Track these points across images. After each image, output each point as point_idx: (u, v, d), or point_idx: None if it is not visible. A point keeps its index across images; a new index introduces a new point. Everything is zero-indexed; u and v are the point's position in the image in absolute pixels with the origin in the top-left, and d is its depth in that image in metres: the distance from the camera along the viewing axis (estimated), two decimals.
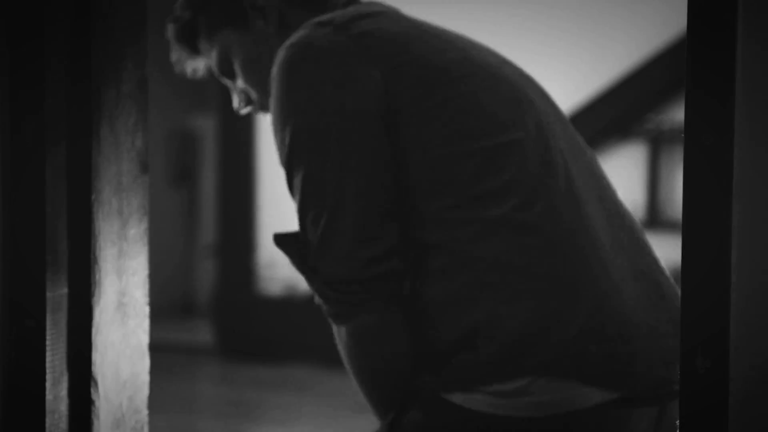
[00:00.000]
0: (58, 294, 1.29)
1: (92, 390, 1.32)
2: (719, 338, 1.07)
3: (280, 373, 6.40)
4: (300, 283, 6.87)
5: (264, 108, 1.60)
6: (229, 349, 6.77)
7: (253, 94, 1.61)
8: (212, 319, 7.18)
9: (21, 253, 1.28)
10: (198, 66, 1.63)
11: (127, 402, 1.39)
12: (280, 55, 1.44)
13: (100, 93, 1.31)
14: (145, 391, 1.42)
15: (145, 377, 1.42)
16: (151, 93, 1.44)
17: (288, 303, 6.76)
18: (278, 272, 6.87)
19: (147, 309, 1.42)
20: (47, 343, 1.27)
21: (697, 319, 1.08)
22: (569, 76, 5.90)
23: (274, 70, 1.44)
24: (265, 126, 6.85)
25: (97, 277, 1.32)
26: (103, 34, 1.32)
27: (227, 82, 1.63)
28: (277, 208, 6.85)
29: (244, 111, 1.64)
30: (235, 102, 1.64)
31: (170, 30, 1.61)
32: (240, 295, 6.87)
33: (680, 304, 1.10)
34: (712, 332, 1.07)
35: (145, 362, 1.42)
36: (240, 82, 1.62)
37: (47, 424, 1.28)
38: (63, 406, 1.31)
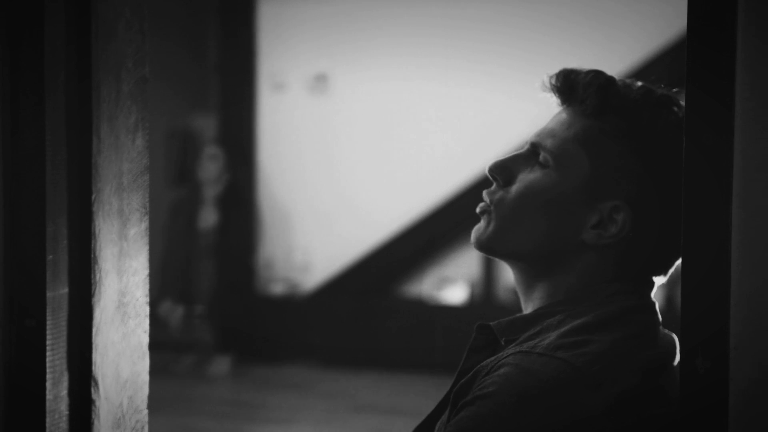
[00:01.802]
0: (58, 294, 1.29)
1: (92, 390, 1.32)
2: (719, 338, 1.07)
3: (280, 373, 6.40)
4: (300, 282, 6.88)
5: (484, 238, 1.34)
6: (229, 349, 6.77)
7: (494, 216, 1.33)
8: (212, 319, 7.18)
9: (21, 253, 1.28)
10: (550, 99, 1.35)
11: (127, 402, 1.38)
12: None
13: (100, 93, 1.31)
14: (145, 391, 1.42)
15: (145, 377, 1.42)
16: (151, 93, 1.44)
17: (288, 303, 6.77)
18: (278, 272, 6.88)
19: (147, 309, 1.42)
20: (47, 343, 1.27)
21: (697, 319, 1.08)
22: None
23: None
24: (265, 126, 6.86)
25: (97, 276, 1.32)
26: (104, 34, 1.32)
27: (493, 173, 1.36)
28: (277, 208, 6.85)
29: (479, 210, 1.36)
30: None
31: (602, 76, 1.32)
32: (240, 295, 6.87)
33: (680, 305, 1.10)
34: (712, 332, 1.07)
35: (145, 362, 1.42)
36: (498, 190, 1.35)
37: (47, 424, 1.28)
38: (63, 406, 1.31)
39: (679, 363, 1.11)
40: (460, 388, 1.26)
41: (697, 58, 1.08)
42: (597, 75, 1.32)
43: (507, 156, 1.36)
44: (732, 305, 1.07)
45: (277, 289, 6.86)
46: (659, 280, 1.35)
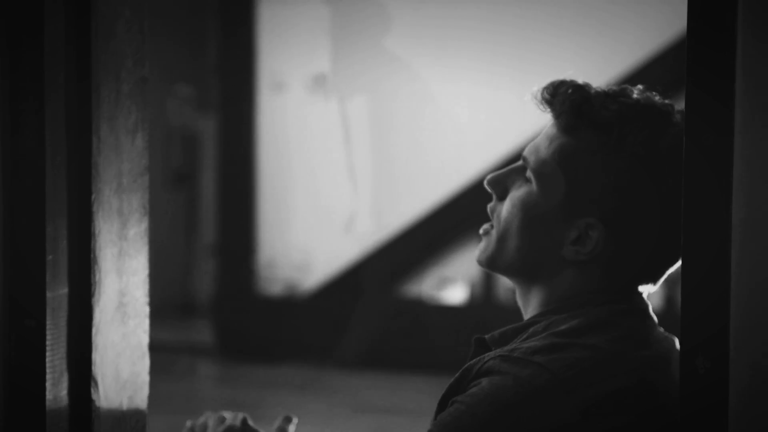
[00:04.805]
0: (58, 294, 1.29)
1: (92, 390, 1.32)
2: (719, 338, 1.07)
3: (280, 373, 6.40)
4: (300, 282, 6.88)
5: (484, 257, 1.38)
6: (229, 349, 6.77)
7: (493, 233, 1.37)
8: (212, 319, 7.18)
9: (21, 253, 1.28)
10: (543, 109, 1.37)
11: (127, 402, 1.39)
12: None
13: (100, 93, 1.31)
14: (145, 391, 1.42)
15: (145, 377, 1.42)
16: (151, 93, 1.44)
17: (288, 303, 6.76)
18: (278, 272, 6.88)
19: (147, 309, 1.42)
20: (47, 343, 1.27)
21: (697, 319, 1.08)
22: (571, 75, 5.90)
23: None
24: (265, 126, 6.86)
25: (97, 277, 1.32)
26: (103, 34, 1.32)
27: (491, 185, 1.39)
28: (277, 208, 6.85)
29: (482, 231, 1.41)
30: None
31: (577, 87, 1.33)
32: (240, 295, 6.87)
33: (680, 305, 1.10)
34: (712, 332, 1.07)
35: (145, 362, 1.42)
36: (495, 205, 1.39)
37: (47, 424, 1.28)
38: (63, 406, 1.31)
39: (680, 363, 1.11)
40: (448, 389, 1.29)
41: (697, 58, 1.08)
42: (575, 90, 1.33)
43: (503, 170, 1.39)
44: (732, 305, 1.07)
45: (277, 289, 6.86)
46: (649, 289, 1.36)
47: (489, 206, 1.39)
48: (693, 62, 1.08)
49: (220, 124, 7.05)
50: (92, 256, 1.31)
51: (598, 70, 5.85)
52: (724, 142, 1.06)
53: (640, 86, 1.35)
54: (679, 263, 1.33)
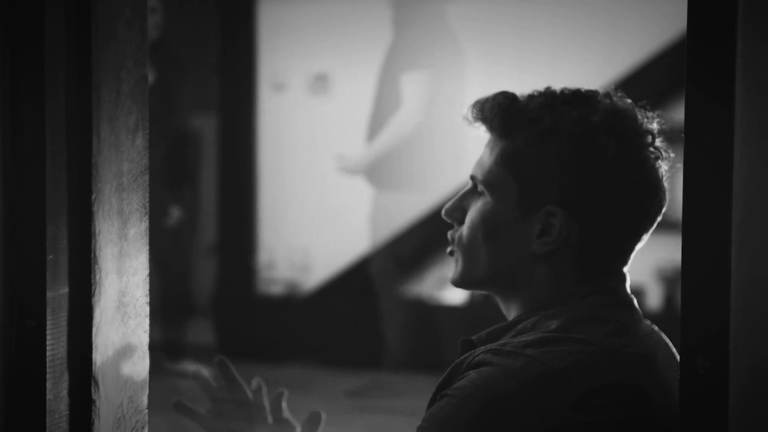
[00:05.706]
0: (58, 294, 1.29)
1: (92, 390, 1.32)
2: (719, 338, 1.07)
3: (280, 373, 6.40)
4: (300, 282, 6.88)
5: (456, 278, 1.41)
6: (229, 349, 6.76)
7: (457, 255, 1.40)
8: (212, 319, 7.18)
9: (21, 253, 1.28)
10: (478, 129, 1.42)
11: (127, 402, 1.39)
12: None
13: (100, 92, 1.32)
14: (145, 391, 1.42)
15: (145, 377, 1.42)
16: (151, 93, 1.44)
17: (288, 303, 6.76)
18: (278, 272, 6.88)
19: (147, 309, 1.42)
20: (47, 343, 1.27)
21: (697, 319, 1.09)
22: (571, 75, 5.90)
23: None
24: (265, 126, 6.86)
25: (97, 276, 1.32)
26: (104, 34, 1.32)
27: (449, 212, 1.43)
28: (277, 208, 6.86)
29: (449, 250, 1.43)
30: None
31: (497, 97, 1.38)
32: (240, 295, 6.87)
33: (680, 305, 1.10)
34: (712, 332, 1.08)
35: (145, 362, 1.42)
36: (456, 230, 1.41)
37: (47, 424, 1.28)
38: (63, 406, 1.31)
39: (680, 363, 1.11)
40: (438, 386, 1.32)
41: (697, 58, 1.08)
42: (500, 95, 1.38)
43: (455, 196, 1.43)
44: (732, 305, 1.07)
45: (277, 289, 6.87)
46: (624, 270, 1.38)
47: (449, 233, 1.42)
48: (693, 62, 1.08)
49: (220, 124, 7.05)
50: (92, 256, 1.31)
51: (598, 70, 5.86)
52: (724, 142, 1.06)
53: (562, 87, 1.40)
54: (647, 237, 1.37)
